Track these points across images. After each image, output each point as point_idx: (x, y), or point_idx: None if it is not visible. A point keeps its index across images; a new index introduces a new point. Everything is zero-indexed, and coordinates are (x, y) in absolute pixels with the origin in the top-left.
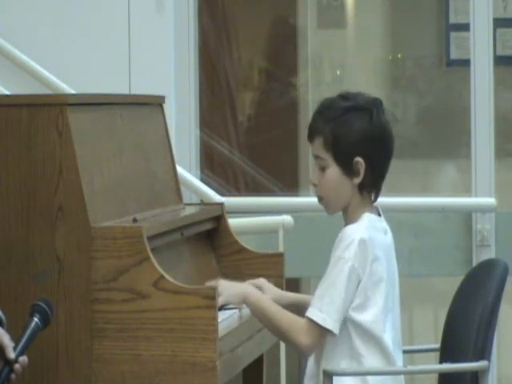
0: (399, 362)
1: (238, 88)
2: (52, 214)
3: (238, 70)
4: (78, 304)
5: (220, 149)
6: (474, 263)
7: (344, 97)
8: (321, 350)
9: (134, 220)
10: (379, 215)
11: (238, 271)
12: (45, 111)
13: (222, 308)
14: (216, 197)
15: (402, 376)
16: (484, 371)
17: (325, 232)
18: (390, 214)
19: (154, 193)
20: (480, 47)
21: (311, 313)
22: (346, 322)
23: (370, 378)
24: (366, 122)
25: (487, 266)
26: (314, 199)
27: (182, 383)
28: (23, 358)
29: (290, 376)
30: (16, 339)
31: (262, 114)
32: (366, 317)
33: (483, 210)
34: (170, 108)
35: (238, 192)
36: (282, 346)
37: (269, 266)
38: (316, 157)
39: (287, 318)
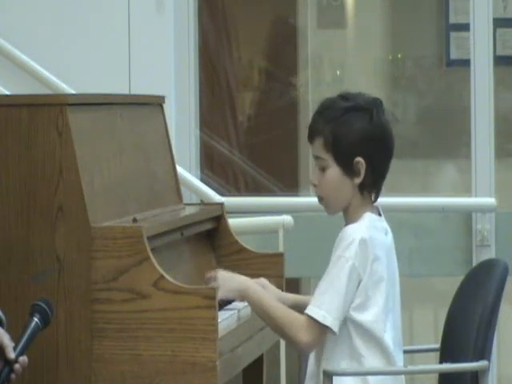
0: (400, 362)
1: (238, 88)
2: (52, 214)
3: (238, 70)
4: (78, 304)
5: (220, 149)
6: (474, 263)
7: (344, 97)
8: (321, 349)
9: (134, 220)
10: (379, 215)
11: (238, 271)
12: (45, 111)
13: (222, 304)
14: (216, 197)
15: (403, 376)
16: (484, 371)
17: (325, 232)
18: (390, 214)
19: (154, 193)
20: (480, 47)
21: (311, 310)
22: (347, 321)
23: (370, 378)
24: (366, 122)
25: (487, 266)
26: (314, 199)
27: (181, 383)
28: (23, 358)
29: (290, 376)
30: (16, 339)
31: (261, 114)
32: (366, 317)
33: (483, 209)
34: (170, 108)
35: (238, 192)
36: (282, 346)
37: (269, 265)
38: (316, 157)
39: (287, 315)
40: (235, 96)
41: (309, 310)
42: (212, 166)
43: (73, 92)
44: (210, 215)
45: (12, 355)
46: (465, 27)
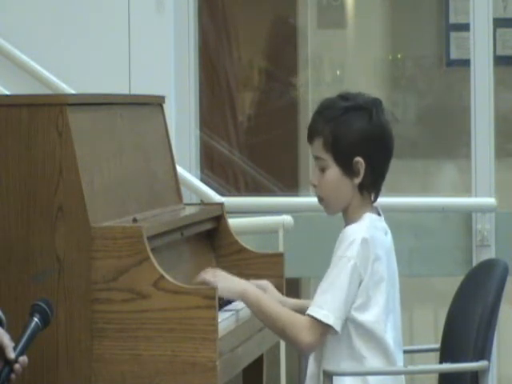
0: (400, 362)
1: (238, 88)
2: (52, 214)
3: (238, 70)
4: (78, 304)
5: (220, 149)
6: (474, 263)
7: (344, 97)
8: (321, 350)
9: (134, 220)
10: (379, 215)
11: (238, 271)
12: (45, 111)
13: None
14: (216, 197)
15: (403, 376)
16: (484, 371)
17: (325, 232)
18: (390, 214)
19: (154, 193)
20: (480, 47)
21: (312, 310)
22: (347, 322)
23: (370, 378)
24: (366, 122)
25: (487, 266)
26: (314, 199)
27: (181, 383)
28: (23, 358)
29: (290, 376)
30: (16, 339)
31: (262, 114)
32: (367, 317)
33: (483, 209)
34: (170, 108)
35: (238, 192)
36: (282, 346)
37: (269, 265)
38: (316, 157)
39: (288, 316)
40: (235, 96)
41: (310, 311)
42: (212, 166)
43: (73, 92)
44: (210, 215)
45: (12, 355)
46: (465, 27)
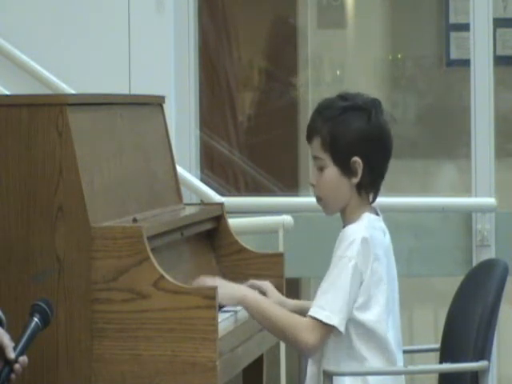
0: (400, 362)
1: (238, 88)
2: (52, 214)
3: (238, 70)
4: (78, 304)
5: (220, 149)
6: (474, 263)
7: (343, 97)
8: (321, 350)
9: (134, 220)
10: (377, 215)
11: (238, 271)
12: (45, 111)
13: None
14: (216, 197)
15: (403, 376)
16: (484, 371)
17: (325, 232)
18: (390, 214)
19: (154, 193)
20: (480, 47)
21: (314, 311)
22: (347, 322)
23: (370, 378)
24: (364, 122)
25: (487, 266)
26: (314, 199)
27: (181, 383)
28: (23, 358)
29: (290, 376)
30: (16, 339)
31: (261, 114)
32: (369, 316)
33: (483, 209)
34: (170, 108)
35: (238, 192)
36: (282, 346)
37: (269, 265)
38: (314, 157)
39: (288, 318)
40: (235, 96)
41: (312, 312)
42: (212, 166)
43: (73, 92)
44: (209, 215)
45: (12, 355)
46: (465, 27)
